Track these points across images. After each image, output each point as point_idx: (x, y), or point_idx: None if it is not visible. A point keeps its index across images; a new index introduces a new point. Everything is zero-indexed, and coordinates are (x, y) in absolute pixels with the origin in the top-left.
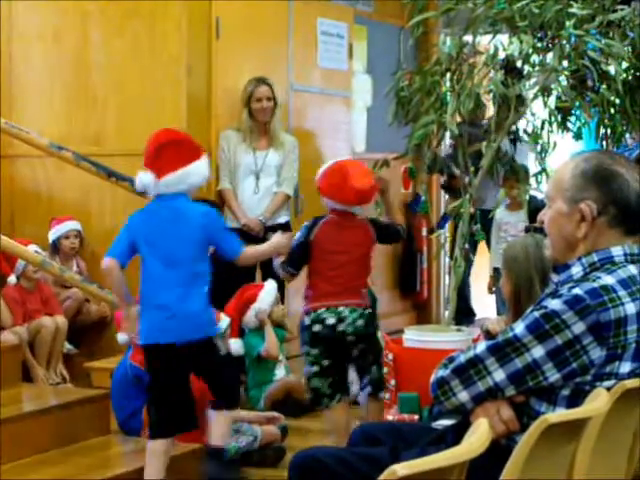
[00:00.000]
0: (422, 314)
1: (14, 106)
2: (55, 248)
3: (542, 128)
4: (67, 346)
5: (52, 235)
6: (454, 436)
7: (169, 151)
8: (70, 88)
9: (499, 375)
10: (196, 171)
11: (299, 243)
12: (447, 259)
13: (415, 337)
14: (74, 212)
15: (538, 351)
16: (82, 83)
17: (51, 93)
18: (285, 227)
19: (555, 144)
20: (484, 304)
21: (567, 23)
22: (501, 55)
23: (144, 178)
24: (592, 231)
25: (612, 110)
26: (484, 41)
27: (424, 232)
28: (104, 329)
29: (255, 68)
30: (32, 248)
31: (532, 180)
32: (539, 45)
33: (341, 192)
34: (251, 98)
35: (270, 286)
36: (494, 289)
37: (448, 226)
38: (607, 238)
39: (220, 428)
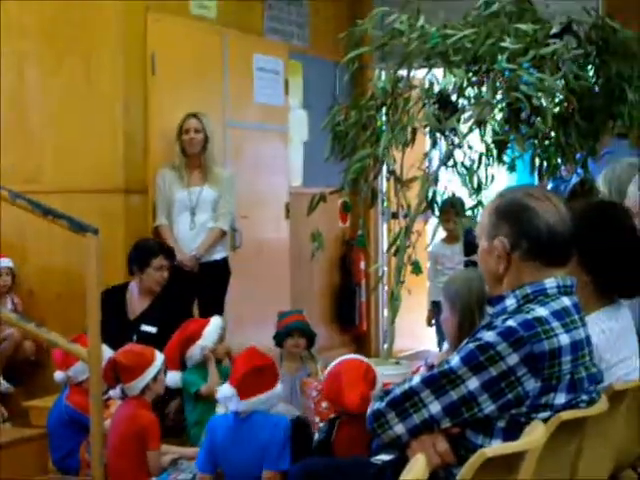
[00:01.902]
0: (361, 347)
1: None
2: None
3: (479, 161)
4: (4, 384)
5: None
6: (392, 472)
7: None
8: (7, 126)
9: (435, 407)
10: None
11: None
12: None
13: None
14: (10, 249)
15: (473, 383)
16: (19, 121)
17: None
18: (222, 264)
19: (493, 177)
20: (422, 337)
21: (500, 57)
22: (436, 89)
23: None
24: (511, 266)
25: (547, 142)
26: (419, 75)
27: (362, 265)
28: (42, 367)
29: (191, 104)
30: None
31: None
32: (473, 79)
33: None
34: (181, 131)
35: (215, 323)
36: (433, 322)
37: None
38: (527, 271)
39: None
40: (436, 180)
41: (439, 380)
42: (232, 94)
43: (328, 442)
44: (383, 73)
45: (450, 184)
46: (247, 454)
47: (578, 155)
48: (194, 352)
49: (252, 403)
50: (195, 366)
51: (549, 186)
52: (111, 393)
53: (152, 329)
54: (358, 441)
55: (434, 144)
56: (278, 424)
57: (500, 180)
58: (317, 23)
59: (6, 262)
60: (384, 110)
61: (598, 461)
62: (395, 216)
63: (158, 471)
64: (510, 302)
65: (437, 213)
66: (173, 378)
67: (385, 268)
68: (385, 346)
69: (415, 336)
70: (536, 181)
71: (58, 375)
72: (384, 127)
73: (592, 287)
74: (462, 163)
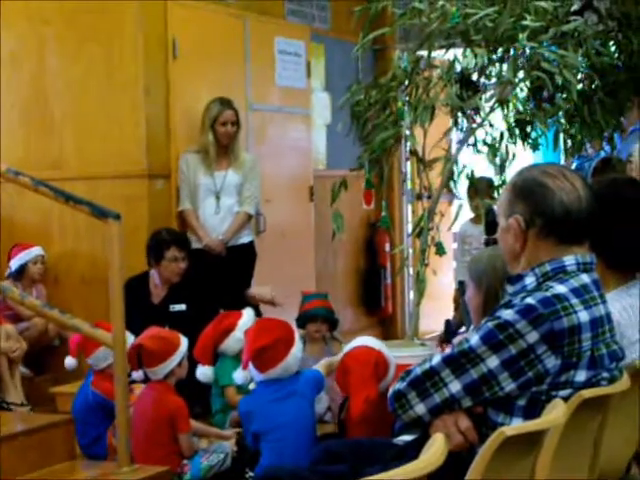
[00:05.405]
0: (387, 329)
1: None
2: (18, 275)
3: (501, 139)
4: (23, 370)
5: (18, 261)
6: (415, 451)
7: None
8: (28, 113)
9: (455, 386)
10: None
11: None
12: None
13: None
14: (36, 237)
15: (493, 361)
16: (40, 108)
17: (10, 118)
18: (249, 247)
19: (514, 155)
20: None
21: (520, 35)
22: (457, 68)
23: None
24: (527, 244)
25: (570, 120)
26: (439, 55)
27: (387, 248)
28: (67, 353)
29: (213, 88)
30: None
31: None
32: (494, 57)
33: None
34: (216, 121)
35: (249, 314)
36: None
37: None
38: (544, 249)
39: None
40: (456, 160)
41: (459, 359)
42: (254, 77)
43: (340, 422)
44: (405, 54)
45: (474, 164)
46: (286, 409)
47: (605, 133)
48: (229, 343)
49: (270, 374)
50: (229, 357)
51: (573, 165)
52: (134, 375)
53: (182, 307)
54: (367, 421)
55: (455, 123)
56: (306, 375)
57: (525, 159)
58: (338, 5)
59: (38, 250)
60: (405, 90)
61: (621, 439)
62: (419, 197)
63: (191, 452)
64: (530, 280)
65: (457, 193)
66: (205, 373)
67: (410, 250)
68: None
69: (441, 317)
70: (561, 159)
71: (69, 361)
72: (405, 107)
73: (603, 265)
74: (484, 141)
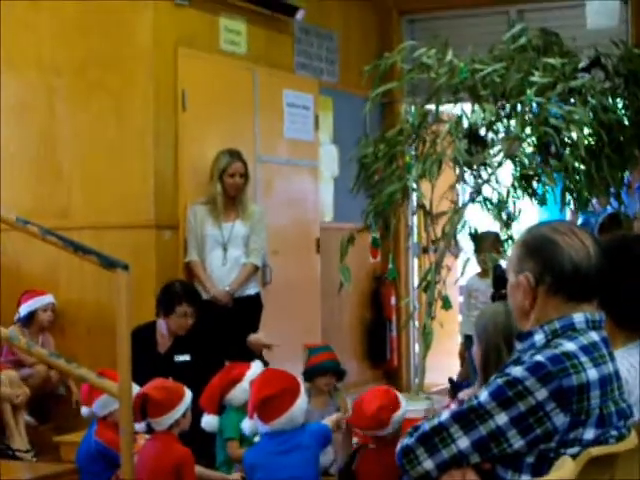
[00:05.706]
0: (393, 382)
1: None
2: (27, 321)
3: (508, 195)
4: (27, 418)
5: (27, 307)
6: None
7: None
8: (37, 162)
9: (463, 442)
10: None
11: None
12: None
13: None
14: (42, 285)
15: (502, 418)
16: (49, 157)
17: (19, 167)
18: (255, 299)
19: (520, 211)
20: (453, 372)
21: (528, 91)
22: (465, 124)
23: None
24: (537, 301)
25: (577, 176)
26: (447, 109)
27: (393, 300)
28: (72, 402)
29: (222, 139)
30: None
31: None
32: (501, 113)
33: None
34: (224, 172)
35: (257, 366)
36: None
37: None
38: (553, 306)
39: None
40: (462, 215)
41: (468, 415)
42: (263, 130)
43: (349, 471)
44: (412, 107)
45: (481, 218)
46: (291, 462)
47: (612, 188)
48: (236, 393)
49: (275, 425)
50: (234, 408)
51: (579, 220)
52: (137, 427)
53: (186, 357)
54: (379, 472)
55: (462, 177)
56: (312, 428)
57: (531, 214)
58: (347, 58)
59: (49, 298)
60: (413, 144)
61: None
62: (425, 251)
63: None
64: (539, 337)
65: (456, 249)
66: (210, 422)
67: (416, 303)
68: (416, 381)
69: (447, 371)
70: (567, 214)
71: (84, 410)
72: (412, 161)
73: (612, 322)
74: (490, 201)
